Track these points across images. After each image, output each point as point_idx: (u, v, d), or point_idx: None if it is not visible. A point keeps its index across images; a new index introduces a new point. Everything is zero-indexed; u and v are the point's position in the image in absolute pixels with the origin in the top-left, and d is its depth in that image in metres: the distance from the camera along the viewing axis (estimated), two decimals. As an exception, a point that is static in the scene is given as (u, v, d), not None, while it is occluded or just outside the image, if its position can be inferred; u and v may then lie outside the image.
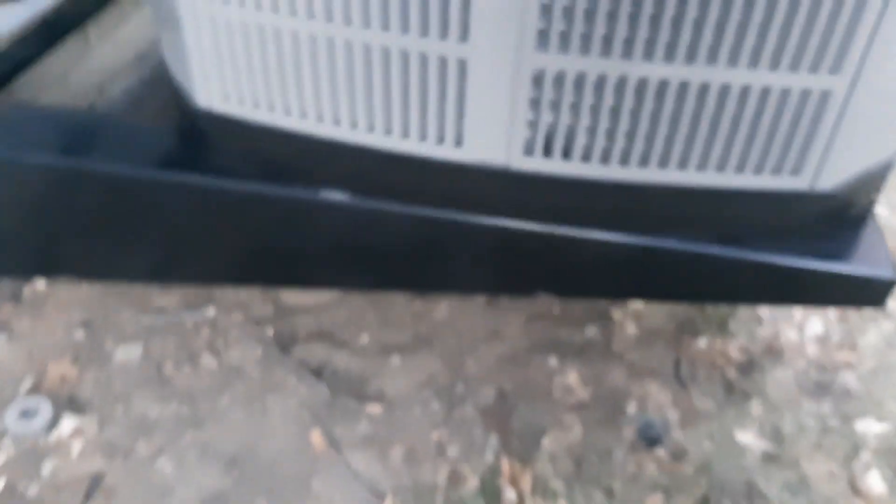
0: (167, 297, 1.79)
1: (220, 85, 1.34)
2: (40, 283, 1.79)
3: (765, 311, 1.77)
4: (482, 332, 1.72)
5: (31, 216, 1.57)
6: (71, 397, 1.59)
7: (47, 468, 1.48)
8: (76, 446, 1.51)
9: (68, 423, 1.54)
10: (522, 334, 1.71)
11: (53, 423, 1.54)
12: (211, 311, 1.76)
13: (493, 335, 1.71)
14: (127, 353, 1.68)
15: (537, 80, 1.19)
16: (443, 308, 1.77)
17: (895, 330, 1.75)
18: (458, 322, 1.74)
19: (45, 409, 1.54)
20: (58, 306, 1.76)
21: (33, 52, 1.69)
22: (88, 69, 1.88)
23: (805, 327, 1.74)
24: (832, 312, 1.77)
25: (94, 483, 1.46)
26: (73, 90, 1.84)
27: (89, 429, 1.54)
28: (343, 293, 1.79)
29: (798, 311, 1.77)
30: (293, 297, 1.79)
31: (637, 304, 1.76)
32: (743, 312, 1.76)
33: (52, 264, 1.68)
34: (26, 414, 1.54)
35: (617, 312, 1.75)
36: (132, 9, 2.02)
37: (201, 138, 1.43)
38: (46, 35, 1.73)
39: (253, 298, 1.79)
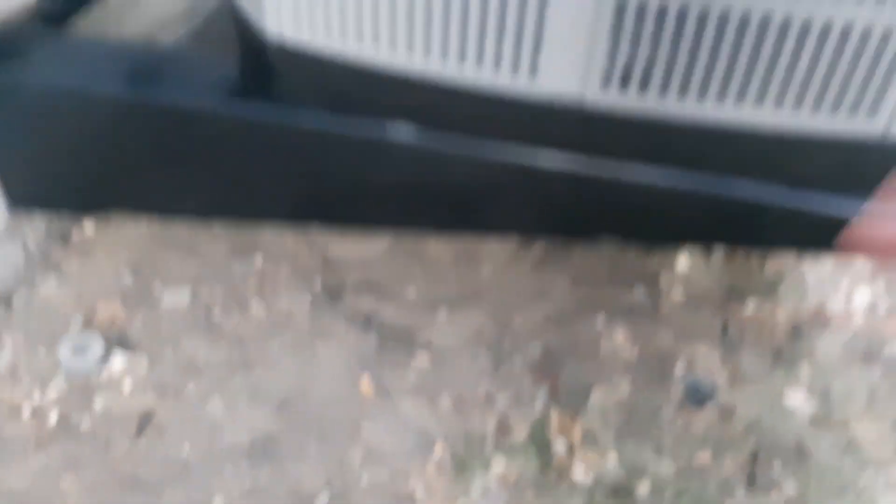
0: (214, 244, 1.79)
1: (292, 10, 1.33)
2: (89, 227, 1.79)
3: (812, 278, 1.77)
4: (528, 291, 1.72)
5: (93, 149, 1.56)
6: (121, 337, 1.60)
7: (99, 403, 1.49)
8: (127, 384, 1.52)
9: (119, 361, 1.55)
10: (569, 295, 1.72)
11: (104, 359, 1.55)
12: (259, 261, 1.76)
13: (539, 294, 1.72)
14: (175, 298, 1.69)
15: (619, 10, 1.19)
16: (488, 267, 1.77)
17: (940, 305, 1.76)
18: (503, 281, 1.75)
19: (97, 345, 1.55)
20: (106, 249, 1.77)
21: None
22: (140, 17, 1.89)
23: (853, 296, 1.74)
24: (880, 282, 1.77)
25: (146, 420, 1.47)
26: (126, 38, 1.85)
27: (139, 368, 1.55)
28: (388, 247, 1.79)
29: (845, 280, 1.77)
30: (339, 249, 1.79)
31: (684, 268, 1.76)
32: (790, 280, 1.76)
33: (110, 198, 1.68)
34: (79, 349, 1.54)
35: (664, 278, 1.75)
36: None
37: (269, 73, 1.43)
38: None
39: (300, 250, 1.79)
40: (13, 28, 1.47)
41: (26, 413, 1.46)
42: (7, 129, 1.48)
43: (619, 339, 1.64)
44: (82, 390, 1.51)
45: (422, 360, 1.59)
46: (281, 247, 1.79)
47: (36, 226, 1.73)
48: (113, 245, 1.77)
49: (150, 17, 1.90)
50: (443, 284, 1.73)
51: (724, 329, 1.66)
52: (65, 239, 1.77)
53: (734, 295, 1.72)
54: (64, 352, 1.54)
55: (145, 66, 1.53)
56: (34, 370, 1.53)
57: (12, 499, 1.33)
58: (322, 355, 1.59)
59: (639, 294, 1.72)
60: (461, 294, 1.71)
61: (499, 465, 1.41)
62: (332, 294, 1.71)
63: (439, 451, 1.43)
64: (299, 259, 1.77)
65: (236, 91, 1.48)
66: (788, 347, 1.63)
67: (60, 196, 1.65)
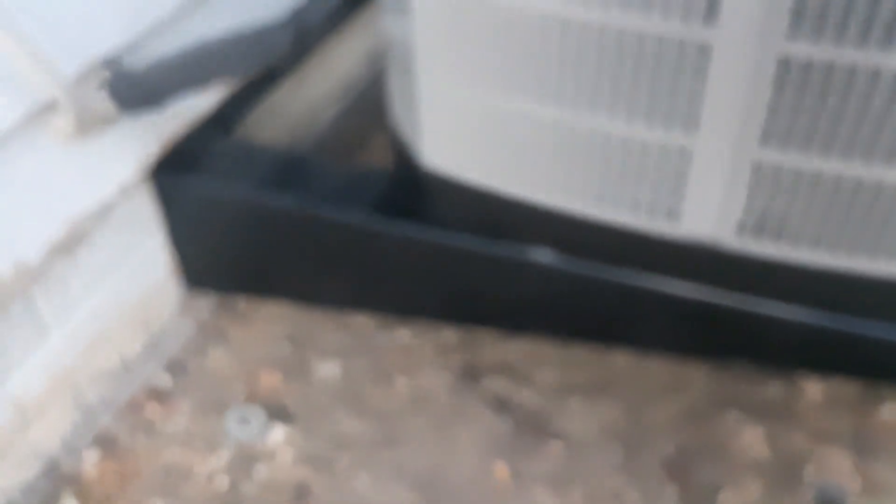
0: (363, 318, 1.93)
1: (448, 151, 1.45)
2: (252, 302, 1.97)
3: (956, 385, 1.74)
4: (663, 381, 1.77)
5: (255, 244, 1.76)
6: (279, 407, 1.76)
7: (261, 472, 1.64)
8: (285, 454, 1.67)
9: (278, 431, 1.70)
10: (704, 387, 1.75)
11: (266, 429, 1.71)
12: (404, 335, 1.89)
13: (673, 385, 1.76)
14: (328, 370, 1.84)
15: (757, 167, 1.24)
16: (624, 353, 1.83)
17: None
18: (639, 368, 1.80)
19: (260, 417, 1.71)
20: (267, 319, 1.94)
21: (262, 91, 1.87)
22: (304, 101, 2.05)
23: None
24: None
25: (301, 491, 1.62)
26: (290, 120, 2.02)
27: (296, 439, 1.70)
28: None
29: None
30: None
31: (821, 367, 1.77)
32: (933, 385, 1.74)
33: (268, 285, 1.87)
34: (244, 420, 1.71)
35: (800, 373, 1.76)
36: (343, 42, 2.17)
37: (420, 190, 1.56)
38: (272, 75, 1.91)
39: (442, 325, 1.90)
40: (194, 138, 1.65)
41: (200, 477, 1.64)
42: (185, 225, 1.68)
43: (751, 437, 1.66)
44: (246, 459, 1.67)
45: (555, 448, 1.67)
46: (425, 322, 1.91)
47: (206, 301, 1.92)
48: (272, 318, 1.93)
49: (311, 101, 2.06)
50: (577, 370, 1.80)
51: (859, 433, 1.66)
52: (231, 312, 1.94)
53: (872, 397, 1.71)
54: (231, 421, 1.71)
55: (305, 178, 1.70)
56: (205, 436, 1.71)
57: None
58: (460, 437, 1.70)
59: (774, 390, 1.74)
60: (596, 381, 1.78)
61: (626, 565, 1.48)
62: (472, 375, 1.81)
63: (569, 544, 1.51)
64: (442, 335, 1.88)
65: (387, 207, 1.61)
66: (927, 457, 1.62)
67: (226, 279, 1.85)
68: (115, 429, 1.71)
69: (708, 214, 1.32)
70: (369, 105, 2.17)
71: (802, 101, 1.17)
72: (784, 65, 1.16)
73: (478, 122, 1.38)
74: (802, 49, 1.15)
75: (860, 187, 1.22)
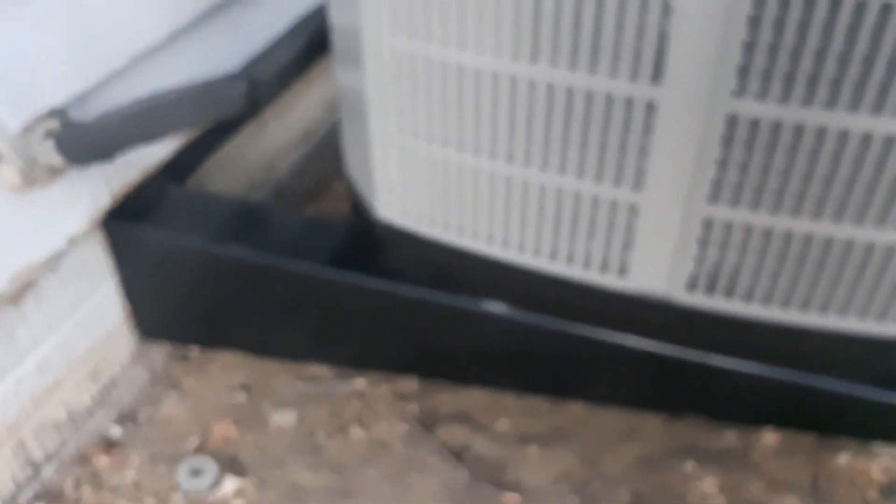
0: (319, 367, 1.91)
1: (401, 204, 1.45)
2: (206, 350, 1.94)
3: (910, 432, 1.75)
4: (619, 430, 1.76)
5: (209, 294, 1.74)
6: (233, 458, 1.73)
7: (211, 527, 1.61)
8: (237, 507, 1.64)
9: (230, 484, 1.67)
10: (660, 436, 1.75)
11: (217, 481, 1.67)
12: (360, 383, 1.87)
13: (629, 434, 1.76)
14: (282, 419, 1.81)
15: (706, 224, 1.25)
16: (580, 403, 1.82)
17: None
18: (595, 417, 1.79)
19: (211, 469, 1.68)
20: (221, 368, 1.91)
21: (218, 140, 1.86)
22: (263, 148, 2.04)
23: (952, 454, 1.71)
24: (982, 441, 1.73)
25: (253, 546, 1.59)
26: (248, 168, 2.00)
27: (248, 492, 1.67)
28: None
29: (946, 437, 1.74)
30: (438, 375, 1.88)
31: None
32: (887, 432, 1.74)
33: (222, 336, 1.85)
34: (195, 472, 1.67)
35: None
36: (302, 90, 2.17)
37: (375, 241, 1.55)
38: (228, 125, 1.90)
39: (399, 374, 1.88)
40: (146, 187, 1.64)
41: (147, 533, 1.60)
42: (138, 275, 1.66)
43: (708, 486, 1.66)
44: (196, 513, 1.64)
45: (511, 499, 1.65)
46: (381, 370, 1.89)
47: (160, 351, 1.89)
48: (227, 367, 1.91)
49: (269, 148, 2.05)
50: (534, 418, 1.79)
51: (815, 481, 1.66)
52: (184, 362, 1.92)
53: (827, 444, 1.71)
54: (182, 474, 1.68)
55: (259, 227, 1.69)
56: (155, 489, 1.67)
57: None
58: (415, 487, 1.67)
59: (730, 438, 1.74)
60: (552, 430, 1.77)
61: None
62: (427, 423, 1.79)
63: None
64: (398, 383, 1.87)
65: (343, 258, 1.60)
66: (882, 506, 1.62)
67: (180, 330, 1.82)
68: (60, 482, 1.67)
69: (659, 270, 1.32)
70: (329, 152, 2.17)
71: (751, 159, 1.19)
72: (731, 122, 1.17)
73: (430, 177, 1.39)
74: (749, 107, 1.16)
75: (810, 243, 1.24)
